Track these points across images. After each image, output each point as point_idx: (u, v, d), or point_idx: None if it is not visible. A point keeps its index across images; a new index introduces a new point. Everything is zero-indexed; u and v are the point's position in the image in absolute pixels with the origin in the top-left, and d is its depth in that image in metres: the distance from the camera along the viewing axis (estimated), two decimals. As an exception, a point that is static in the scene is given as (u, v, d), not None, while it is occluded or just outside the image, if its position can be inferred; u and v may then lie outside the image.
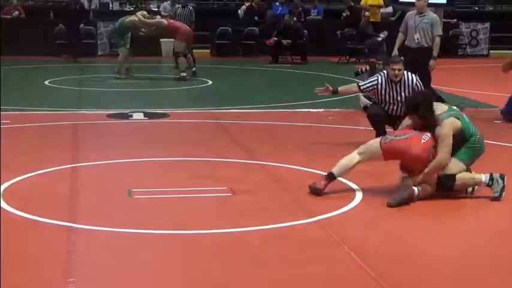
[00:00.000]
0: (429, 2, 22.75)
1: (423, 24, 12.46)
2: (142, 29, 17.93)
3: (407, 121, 8.00)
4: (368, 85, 9.92)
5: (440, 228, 6.96)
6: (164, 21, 18.04)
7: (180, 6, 20.34)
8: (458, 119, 7.60)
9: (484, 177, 7.62)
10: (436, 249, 6.27)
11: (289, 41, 21.90)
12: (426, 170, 7.50)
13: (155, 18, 18.32)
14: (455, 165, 7.60)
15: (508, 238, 6.62)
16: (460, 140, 7.64)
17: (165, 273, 5.61)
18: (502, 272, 5.76)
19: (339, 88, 10.06)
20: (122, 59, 17.52)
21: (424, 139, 7.54)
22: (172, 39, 19.25)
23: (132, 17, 17.88)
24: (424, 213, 7.29)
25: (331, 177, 7.70)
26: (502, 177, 7.60)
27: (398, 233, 6.72)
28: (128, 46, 17.60)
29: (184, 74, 17.40)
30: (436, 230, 6.90)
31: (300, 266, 5.74)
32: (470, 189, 7.76)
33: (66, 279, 5.30)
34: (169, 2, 22.80)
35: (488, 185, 7.63)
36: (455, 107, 7.89)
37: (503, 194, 7.53)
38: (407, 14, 13.00)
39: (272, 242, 6.33)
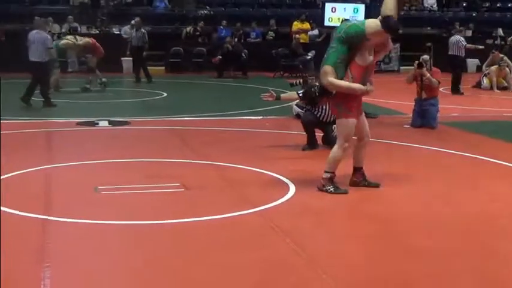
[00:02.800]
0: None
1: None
2: (73, 49, 18.14)
3: None
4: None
5: (366, 212, 7.02)
6: (90, 41, 18.23)
7: (135, 29, 21.10)
8: None
9: None
10: (361, 233, 6.32)
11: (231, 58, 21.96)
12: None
13: (82, 39, 18.29)
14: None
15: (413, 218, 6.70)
16: None
17: (126, 258, 5.58)
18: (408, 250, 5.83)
19: (281, 95, 10.13)
20: (57, 78, 17.21)
21: None
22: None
23: (65, 40, 17.84)
24: (351, 200, 7.35)
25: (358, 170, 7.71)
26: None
27: (326, 219, 6.75)
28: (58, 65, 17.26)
29: (89, 86, 17.82)
30: (361, 215, 6.96)
31: (242, 251, 5.73)
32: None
33: (42, 264, 5.23)
34: (128, 26, 22.86)
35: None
36: None
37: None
38: None
39: (218, 231, 6.30)
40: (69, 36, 18.24)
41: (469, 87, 19.50)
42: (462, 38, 18.66)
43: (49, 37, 15.31)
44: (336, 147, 7.61)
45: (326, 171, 7.58)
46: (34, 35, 14.61)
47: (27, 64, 14.62)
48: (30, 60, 14.50)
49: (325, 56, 7.49)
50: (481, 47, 20.96)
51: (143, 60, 20.69)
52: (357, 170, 7.84)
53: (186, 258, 5.57)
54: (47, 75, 15.12)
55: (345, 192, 7.55)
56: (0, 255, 5.24)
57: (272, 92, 9.88)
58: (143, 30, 20.86)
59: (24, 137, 11.05)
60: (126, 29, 23.27)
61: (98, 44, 18.18)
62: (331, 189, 7.53)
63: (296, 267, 5.37)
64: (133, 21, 23.36)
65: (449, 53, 18.48)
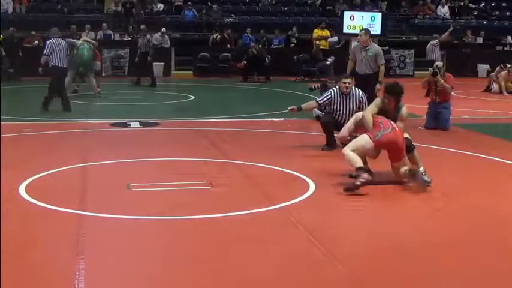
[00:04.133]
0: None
1: (368, 57, 12.05)
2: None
3: (352, 120, 8.28)
4: (324, 99, 9.98)
5: (383, 211, 6.96)
6: (96, 44, 17.84)
7: (142, 36, 20.97)
8: None
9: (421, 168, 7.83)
10: (377, 229, 6.27)
11: (256, 64, 21.97)
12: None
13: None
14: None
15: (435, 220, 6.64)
16: None
17: (156, 251, 5.58)
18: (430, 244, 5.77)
19: (302, 106, 10.07)
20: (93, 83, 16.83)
21: (397, 127, 7.75)
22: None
23: (89, 45, 16.85)
24: (368, 198, 7.29)
25: (362, 169, 7.55)
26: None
27: (345, 216, 6.71)
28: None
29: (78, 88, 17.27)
30: (378, 212, 6.90)
31: (264, 245, 5.71)
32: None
33: (77, 257, 5.24)
34: (159, 34, 23.01)
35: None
36: None
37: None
38: (353, 46, 12.54)
39: (242, 225, 6.30)
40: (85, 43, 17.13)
41: (479, 91, 19.32)
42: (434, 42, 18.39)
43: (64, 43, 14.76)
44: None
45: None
46: (57, 41, 14.11)
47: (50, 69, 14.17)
48: (53, 65, 13.98)
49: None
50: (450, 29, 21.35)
51: (148, 65, 20.23)
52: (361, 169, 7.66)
53: (213, 250, 5.57)
54: (62, 80, 14.48)
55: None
56: (0, 250, 5.28)
57: (294, 107, 9.87)
58: (148, 37, 20.80)
59: (61, 137, 11.10)
60: (157, 36, 23.37)
61: (97, 51, 17.75)
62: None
63: (315, 260, 5.35)
64: (163, 29, 23.52)
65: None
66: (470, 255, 5.55)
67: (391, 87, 8.11)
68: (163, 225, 6.32)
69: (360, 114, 8.28)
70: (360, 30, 12.84)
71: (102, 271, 5.12)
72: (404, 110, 8.04)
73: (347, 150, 7.64)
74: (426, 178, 7.70)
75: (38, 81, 18.39)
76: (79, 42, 16.59)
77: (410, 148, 7.88)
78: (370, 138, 7.63)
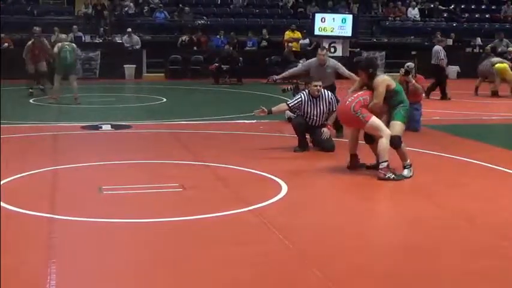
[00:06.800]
0: (337, 35, 23.10)
1: (327, 74, 11.08)
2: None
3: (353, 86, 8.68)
4: (294, 103, 10.03)
5: (355, 210, 7.02)
6: None
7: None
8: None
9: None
10: (349, 229, 6.32)
11: (228, 66, 22.01)
12: (369, 106, 8.14)
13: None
14: (398, 125, 8.21)
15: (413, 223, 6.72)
16: (397, 101, 8.24)
17: (128, 254, 5.57)
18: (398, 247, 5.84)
19: (272, 109, 10.02)
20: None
21: (350, 99, 8.23)
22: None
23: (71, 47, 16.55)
24: (341, 198, 7.35)
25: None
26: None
27: (317, 216, 6.75)
28: None
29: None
30: (350, 212, 6.96)
31: (237, 247, 5.74)
32: (391, 175, 8.01)
33: (48, 260, 5.22)
34: (126, 35, 22.96)
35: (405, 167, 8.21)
36: None
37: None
38: (309, 63, 11.51)
39: (215, 228, 6.31)
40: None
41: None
42: (441, 49, 18.42)
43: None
44: (382, 139, 8.05)
45: (382, 162, 7.97)
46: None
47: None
48: None
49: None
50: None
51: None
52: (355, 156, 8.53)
53: (185, 253, 5.58)
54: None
55: (405, 177, 8.02)
56: (0, 253, 5.23)
57: (263, 108, 9.86)
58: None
59: (32, 140, 11.02)
60: (125, 38, 23.38)
61: None
62: (393, 176, 7.94)
63: (288, 261, 5.39)
64: (128, 29, 23.47)
65: (432, 62, 18.33)
66: (438, 256, 5.62)
67: (358, 63, 8.53)
68: (135, 228, 6.31)
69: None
70: (322, 49, 12.12)
71: (74, 275, 5.10)
72: (375, 80, 8.21)
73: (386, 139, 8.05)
74: (405, 173, 8.07)
75: (8, 84, 18.24)
76: (59, 44, 16.42)
77: (396, 144, 8.14)
78: None
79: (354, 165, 8.57)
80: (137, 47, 23.54)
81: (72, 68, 16.43)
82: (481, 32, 27.60)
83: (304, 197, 7.39)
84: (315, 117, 9.96)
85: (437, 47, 18.44)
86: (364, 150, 8.74)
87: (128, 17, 26.29)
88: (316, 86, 9.91)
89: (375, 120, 8.09)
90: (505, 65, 18.38)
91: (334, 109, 9.91)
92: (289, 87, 14.01)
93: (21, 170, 8.31)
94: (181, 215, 6.58)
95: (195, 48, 24.16)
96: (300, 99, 10.00)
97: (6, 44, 22.16)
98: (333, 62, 11.38)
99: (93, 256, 5.49)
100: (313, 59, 11.55)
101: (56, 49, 16.20)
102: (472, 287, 5.02)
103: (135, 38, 23.63)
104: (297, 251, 5.56)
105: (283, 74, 11.76)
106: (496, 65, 18.33)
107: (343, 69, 11.26)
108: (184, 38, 24.42)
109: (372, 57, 7.87)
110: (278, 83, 12.96)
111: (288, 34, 24.42)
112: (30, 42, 17.53)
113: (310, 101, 9.94)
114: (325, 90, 10.07)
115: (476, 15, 29.64)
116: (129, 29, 23.61)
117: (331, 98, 10.02)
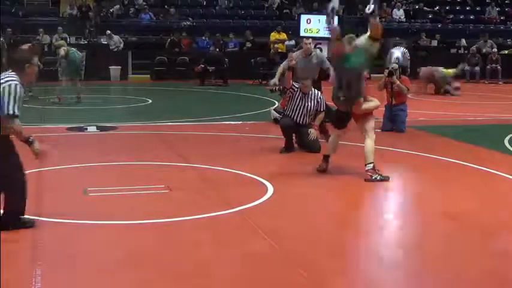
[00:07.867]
0: (323, 36, 23.10)
1: (312, 65, 11.04)
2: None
3: None
4: (293, 85, 10.09)
5: (340, 212, 7.05)
6: None
7: None
8: None
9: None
10: (335, 230, 6.35)
11: (213, 67, 22.02)
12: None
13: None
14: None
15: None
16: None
17: (113, 256, 5.56)
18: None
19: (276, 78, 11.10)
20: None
21: None
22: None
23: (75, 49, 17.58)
24: (326, 200, 7.37)
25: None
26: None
27: (302, 217, 6.78)
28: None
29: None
30: (336, 214, 6.99)
31: (223, 248, 5.75)
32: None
33: (34, 263, 5.20)
34: (105, 36, 22.95)
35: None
36: None
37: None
38: (295, 54, 11.28)
39: (201, 228, 6.32)
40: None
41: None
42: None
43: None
44: (368, 141, 8.15)
45: (368, 163, 7.99)
46: None
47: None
48: None
49: None
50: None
51: None
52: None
53: (171, 254, 5.58)
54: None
55: (388, 179, 7.98)
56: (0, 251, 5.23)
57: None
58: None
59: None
60: (106, 39, 23.41)
61: None
62: (378, 177, 7.95)
63: (273, 262, 5.41)
64: (108, 32, 23.46)
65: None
66: (424, 256, 5.66)
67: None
68: (121, 230, 6.30)
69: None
70: (308, 38, 12.05)
71: (59, 277, 5.09)
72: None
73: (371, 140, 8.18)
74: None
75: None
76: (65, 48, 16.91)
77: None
78: None
79: (327, 168, 8.52)
80: (121, 45, 23.52)
81: (78, 70, 16.99)
82: (465, 33, 27.74)
83: (290, 198, 7.41)
84: (303, 114, 10.00)
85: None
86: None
87: (113, 18, 26.22)
88: (305, 84, 9.95)
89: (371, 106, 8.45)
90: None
91: (322, 109, 9.98)
92: (276, 88, 14.06)
93: (6, 172, 8.26)
94: (167, 217, 6.58)
95: (176, 49, 24.10)
96: (296, 88, 10.07)
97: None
98: (320, 54, 11.57)
99: (78, 258, 5.47)
100: (298, 51, 11.69)
101: (62, 52, 16.75)
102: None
103: (115, 37, 23.59)
104: (282, 252, 5.58)
105: (277, 76, 11.66)
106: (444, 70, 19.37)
107: (328, 65, 11.10)
108: (169, 39, 24.38)
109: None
110: (264, 84, 12.98)
111: (274, 35, 24.46)
112: None
113: (300, 96, 10.01)
114: (315, 90, 10.15)
115: (461, 17, 29.80)
116: (108, 31, 23.62)
117: (320, 98, 10.06)
